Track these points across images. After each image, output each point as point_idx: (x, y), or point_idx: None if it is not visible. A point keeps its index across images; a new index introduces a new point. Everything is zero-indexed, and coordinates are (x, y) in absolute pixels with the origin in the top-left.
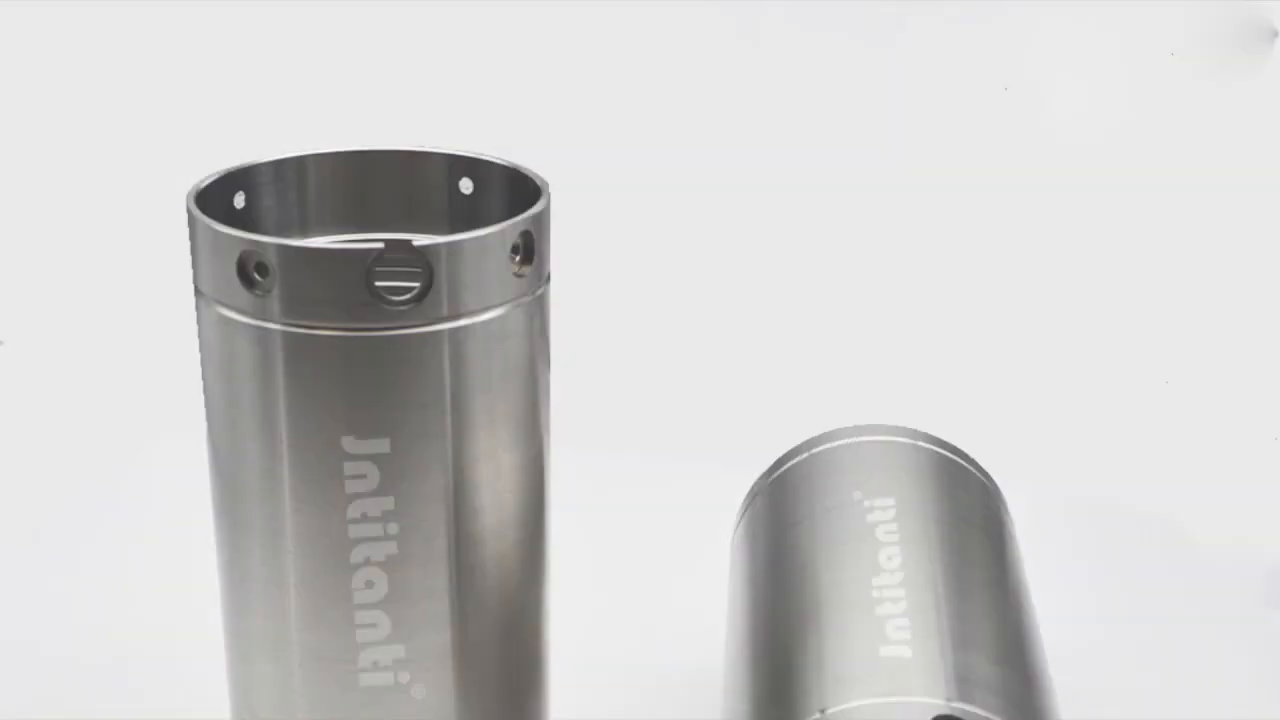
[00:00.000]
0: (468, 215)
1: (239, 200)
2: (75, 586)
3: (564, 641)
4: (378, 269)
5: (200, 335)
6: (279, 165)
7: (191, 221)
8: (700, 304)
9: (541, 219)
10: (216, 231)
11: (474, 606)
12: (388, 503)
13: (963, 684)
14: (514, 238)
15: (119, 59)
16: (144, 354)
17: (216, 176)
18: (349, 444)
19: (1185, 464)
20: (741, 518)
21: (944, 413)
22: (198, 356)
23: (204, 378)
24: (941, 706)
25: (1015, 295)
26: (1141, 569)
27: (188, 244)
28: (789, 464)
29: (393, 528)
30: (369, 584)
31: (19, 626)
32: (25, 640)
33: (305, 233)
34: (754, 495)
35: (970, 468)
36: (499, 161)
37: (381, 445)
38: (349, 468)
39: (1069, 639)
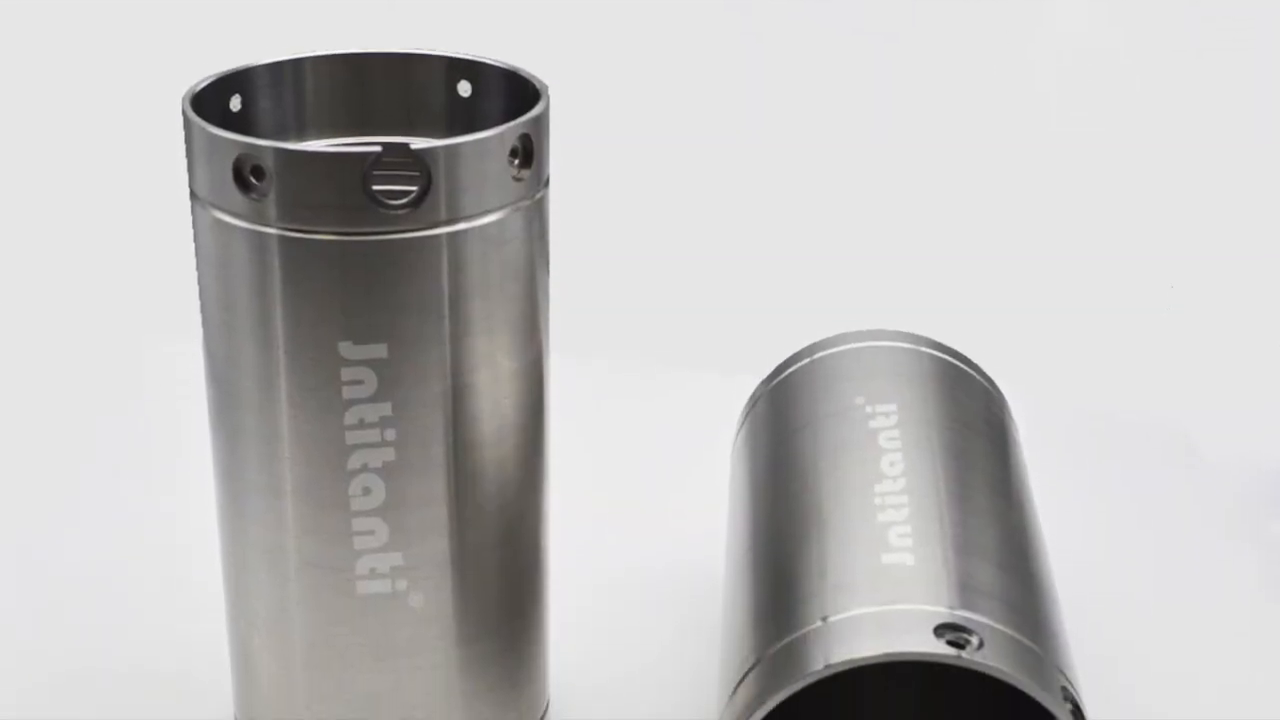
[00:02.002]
0: (466, 118)
1: (235, 103)
2: (70, 496)
3: (564, 549)
4: (375, 172)
5: (196, 240)
6: (275, 68)
7: (187, 125)
8: (702, 208)
9: (541, 122)
10: (212, 135)
11: (472, 513)
12: (385, 409)
13: (965, 591)
14: (513, 141)
15: None
16: (139, 260)
17: (212, 79)
18: (346, 349)
19: (1189, 371)
20: (742, 424)
21: (947, 318)
22: (193, 262)
23: (200, 283)
24: (944, 614)
25: (1021, 201)
26: (1145, 476)
27: (183, 148)
28: (790, 370)
29: (390, 434)
30: (366, 491)
31: (13, 539)
32: (18, 552)
33: (302, 136)
34: (755, 401)
35: (974, 373)
36: (498, 64)
37: (379, 350)
38: (346, 373)
39: (1072, 546)
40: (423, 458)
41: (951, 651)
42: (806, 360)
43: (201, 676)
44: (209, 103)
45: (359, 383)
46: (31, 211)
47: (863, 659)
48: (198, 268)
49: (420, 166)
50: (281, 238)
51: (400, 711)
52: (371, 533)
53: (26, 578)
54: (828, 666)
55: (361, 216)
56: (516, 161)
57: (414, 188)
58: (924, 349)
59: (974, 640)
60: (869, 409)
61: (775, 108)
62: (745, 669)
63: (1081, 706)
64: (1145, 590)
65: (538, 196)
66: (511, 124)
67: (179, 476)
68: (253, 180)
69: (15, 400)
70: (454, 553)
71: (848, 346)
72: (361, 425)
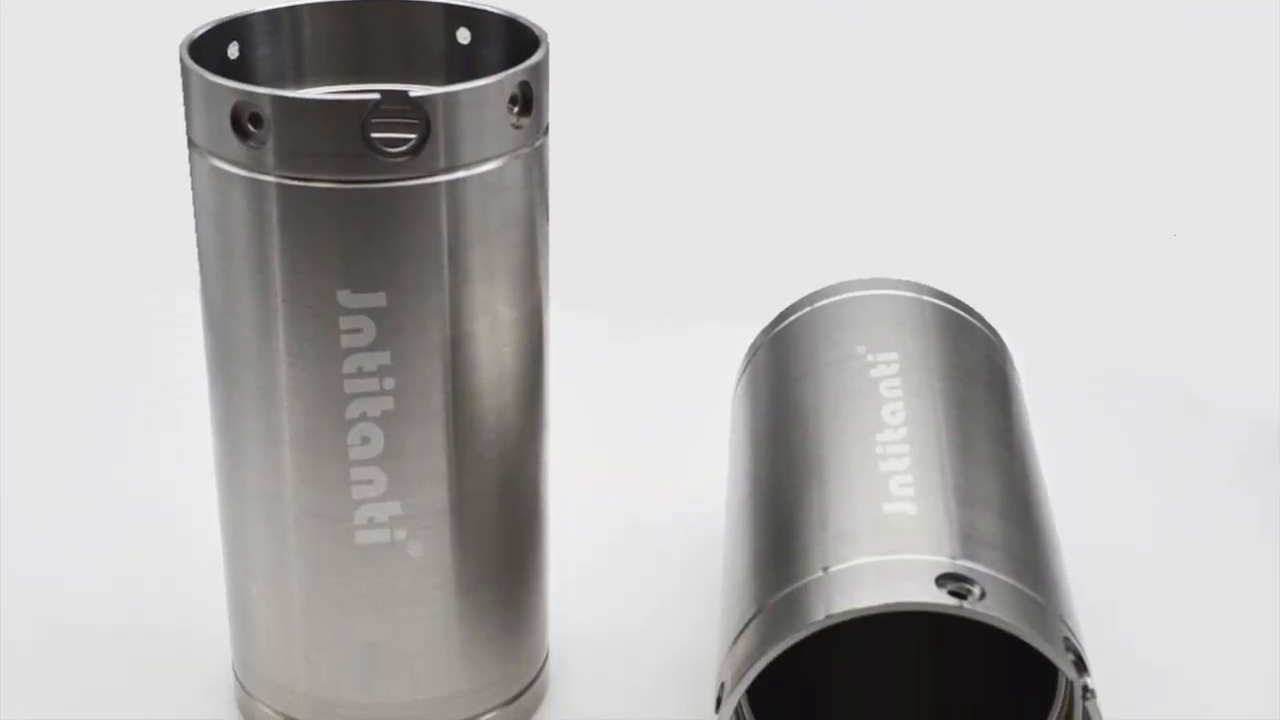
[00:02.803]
0: (465, 66)
1: (233, 50)
2: (68, 447)
3: (563, 498)
4: (374, 120)
5: (193, 188)
6: (273, 15)
7: (185, 72)
8: (703, 157)
9: (540, 69)
10: (210, 82)
11: (472, 462)
12: (384, 357)
13: (967, 541)
14: (512, 88)
15: None
16: (137, 208)
17: (210, 26)
18: (344, 298)
19: (1192, 319)
20: (743, 373)
21: (950, 266)
22: (191, 210)
23: (197, 231)
24: (945, 564)
25: (1024, 150)
26: (1148, 426)
27: (181, 96)
28: (791, 318)
29: (389, 383)
30: (365, 440)
31: (11, 490)
32: (16, 503)
33: (300, 83)
34: (755, 350)
35: (976, 322)
36: (497, 11)
37: (378, 299)
38: (344, 322)
39: (1075, 495)
40: (422, 406)
41: (953, 602)
42: (807, 309)
43: (200, 627)
44: (207, 50)
45: (357, 331)
46: (30, 160)
47: (864, 609)
48: (195, 216)
49: (419, 114)
50: (280, 186)
51: (399, 661)
52: (370, 482)
53: (24, 529)
54: (829, 617)
55: (360, 164)
56: (516, 109)
57: (413, 135)
58: (926, 298)
59: (976, 590)
60: (870, 358)
61: (776, 54)
62: (746, 619)
63: (1084, 657)
64: (1147, 540)
65: (537, 144)
66: (511, 71)
67: (177, 427)
68: (251, 128)
69: (13, 351)
70: (453, 502)
71: (849, 295)
72: (360, 374)
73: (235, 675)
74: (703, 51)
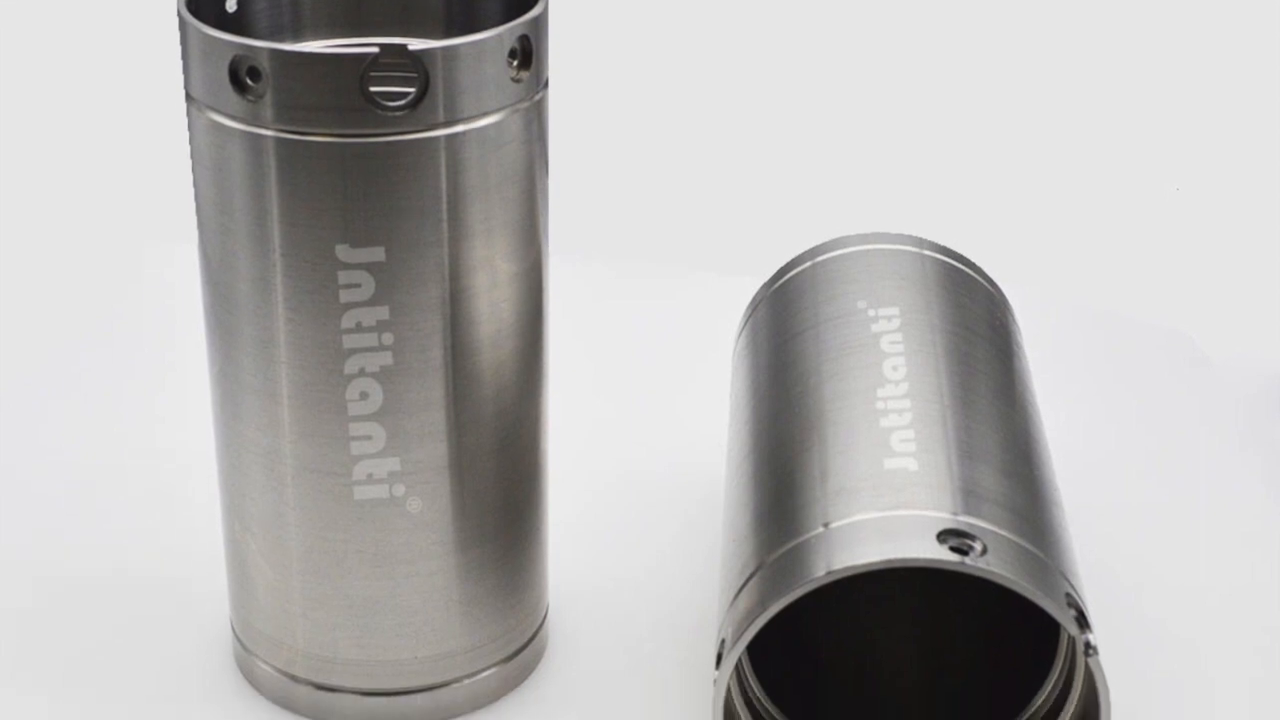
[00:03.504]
0: (464, 19)
1: (231, 3)
2: (66, 401)
3: (563, 453)
4: (372, 74)
5: (191, 142)
6: None
7: (182, 25)
8: (704, 110)
9: (540, 23)
10: (207, 36)
11: (471, 418)
12: (382, 312)
13: (969, 497)
14: (511, 42)
15: None
16: (135, 162)
17: None
18: (343, 252)
19: (1196, 273)
20: (743, 328)
21: (951, 220)
22: (189, 164)
23: (195, 186)
24: (947, 520)
25: (1027, 102)
26: (1150, 380)
27: (179, 50)
28: (792, 273)
29: (388, 338)
30: (363, 395)
31: (8, 445)
32: (13, 458)
33: (299, 37)
34: (756, 305)
35: (977, 276)
36: None
37: (376, 254)
38: (343, 276)
39: (1077, 450)
40: (421, 362)
41: (955, 557)
42: (808, 263)
43: (198, 583)
44: (205, 4)
45: (356, 286)
46: (29, 113)
47: (865, 565)
48: (193, 170)
49: (418, 68)
50: (278, 140)
51: (397, 617)
52: (369, 437)
53: (22, 484)
54: (829, 573)
55: (359, 118)
56: (515, 63)
57: (412, 89)
58: (927, 252)
59: (977, 546)
60: (871, 313)
61: (777, 6)
62: (746, 575)
63: (1085, 612)
64: (1150, 495)
65: (537, 98)
66: (510, 24)
67: (175, 382)
68: (249, 82)
69: (11, 305)
70: (452, 457)
71: (850, 249)
72: (359, 329)
73: (233, 631)
74: (704, 3)
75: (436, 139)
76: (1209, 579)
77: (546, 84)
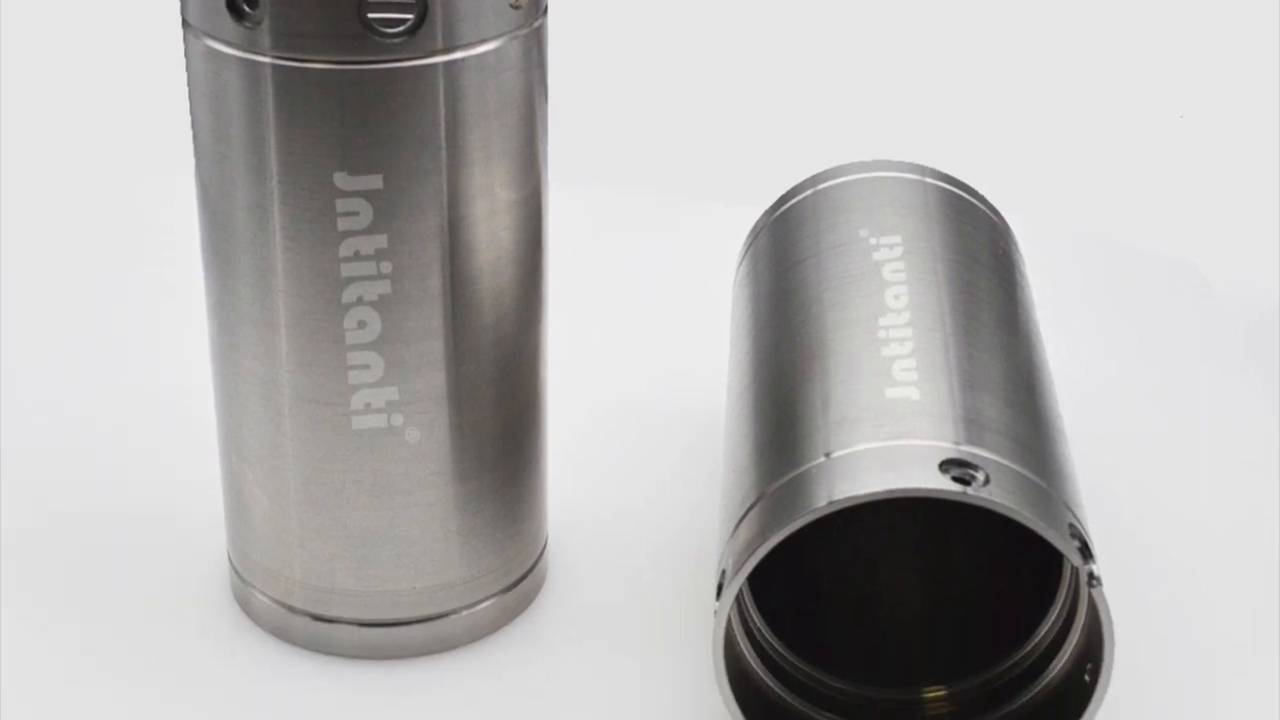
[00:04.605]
0: None
1: None
2: (62, 331)
3: (562, 383)
4: (370, 0)
5: (188, 70)
6: None
7: None
8: (705, 36)
9: None
10: None
11: (469, 347)
12: (381, 241)
13: (971, 426)
14: None
15: None
16: (131, 91)
17: None
18: (341, 180)
19: (1199, 201)
20: (744, 256)
21: (953, 148)
22: (185, 92)
23: (192, 114)
24: (949, 450)
25: (1029, 26)
26: (1154, 308)
27: None
28: (793, 200)
29: (386, 266)
30: (361, 324)
31: (8, 373)
32: (10, 388)
33: None
34: (757, 233)
35: (979, 204)
36: None
37: (374, 181)
38: (341, 205)
39: (1080, 379)
40: (419, 290)
41: (957, 488)
42: (809, 191)
43: (195, 514)
44: None
45: (354, 214)
46: (24, 39)
47: (866, 495)
48: (190, 98)
49: None
50: (275, 67)
51: (396, 548)
52: (367, 367)
53: (20, 414)
54: (831, 503)
55: (357, 45)
56: None
57: (410, 16)
58: (929, 179)
59: (980, 476)
60: (873, 241)
61: None
62: (747, 506)
63: (1089, 543)
64: (1153, 425)
65: (536, 25)
66: None
67: (172, 312)
68: (246, 8)
69: (8, 234)
70: (451, 387)
71: (851, 177)
72: (357, 258)
73: (230, 562)
74: None
75: (435, 66)
76: (1211, 508)
77: (546, 10)
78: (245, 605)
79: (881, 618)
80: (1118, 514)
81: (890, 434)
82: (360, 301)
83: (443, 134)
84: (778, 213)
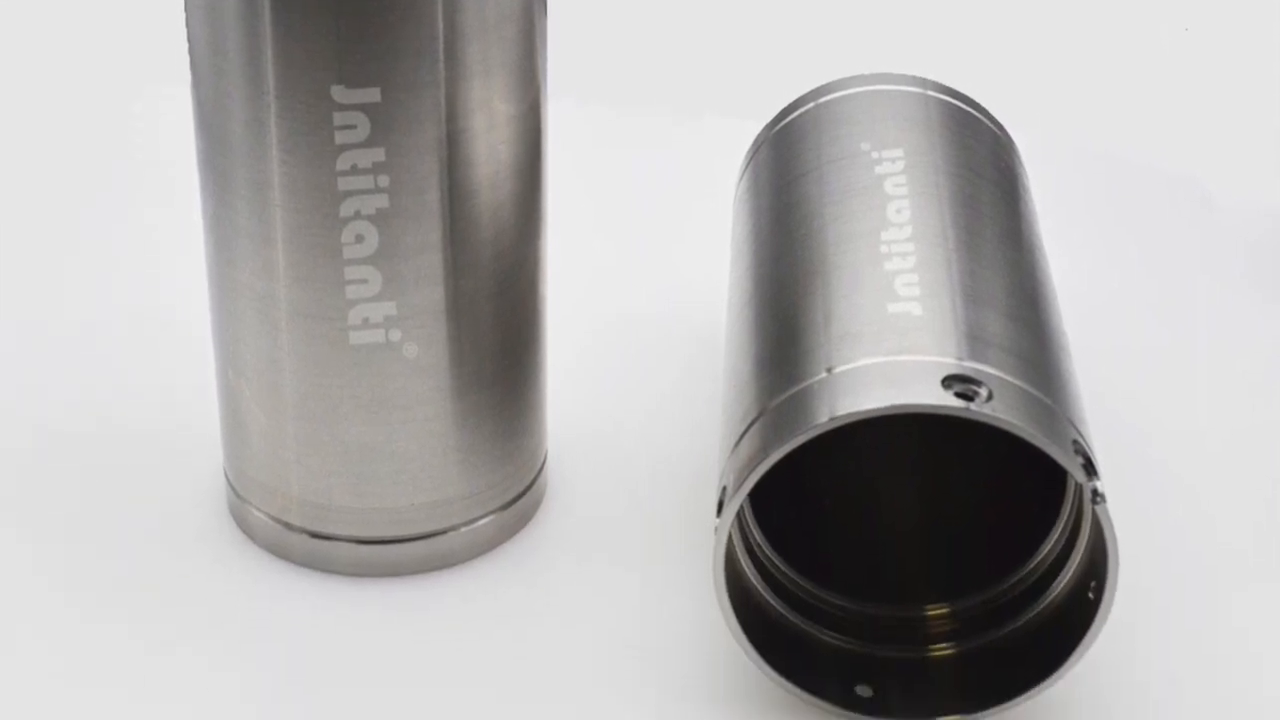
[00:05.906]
0: None
1: None
2: (57, 248)
3: (562, 298)
4: None
5: None
6: None
7: None
8: None
9: None
10: None
11: (468, 261)
12: (378, 154)
13: (974, 342)
14: None
15: None
16: (125, 4)
17: None
18: (338, 93)
19: (1203, 114)
20: (745, 170)
21: (955, 61)
22: (181, 5)
23: (187, 25)
24: (952, 365)
25: None
26: (1158, 222)
27: None
28: (794, 114)
29: (383, 180)
30: (359, 238)
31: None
32: (10, 305)
33: None
34: (758, 146)
35: (982, 118)
36: None
37: (372, 94)
38: (338, 118)
39: (1083, 294)
40: (417, 204)
41: (960, 404)
42: (811, 104)
43: (191, 430)
44: None
45: (351, 128)
46: None
47: (868, 411)
48: (186, 10)
49: None
50: None
51: (394, 464)
52: (364, 281)
53: (15, 333)
54: (832, 419)
55: None
56: None
57: None
58: (931, 93)
59: (983, 392)
60: (875, 154)
61: None
62: (748, 422)
63: (1093, 460)
64: (1157, 340)
65: None
66: None
67: (168, 227)
68: None
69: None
70: (449, 302)
71: (853, 90)
72: (354, 171)
73: (226, 479)
74: None
75: None
76: (1213, 423)
77: None
78: (242, 522)
79: (882, 534)
80: (1121, 430)
81: (892, 349)
82: (358, 215)
83: (441, 47)
84: (779, 126)
